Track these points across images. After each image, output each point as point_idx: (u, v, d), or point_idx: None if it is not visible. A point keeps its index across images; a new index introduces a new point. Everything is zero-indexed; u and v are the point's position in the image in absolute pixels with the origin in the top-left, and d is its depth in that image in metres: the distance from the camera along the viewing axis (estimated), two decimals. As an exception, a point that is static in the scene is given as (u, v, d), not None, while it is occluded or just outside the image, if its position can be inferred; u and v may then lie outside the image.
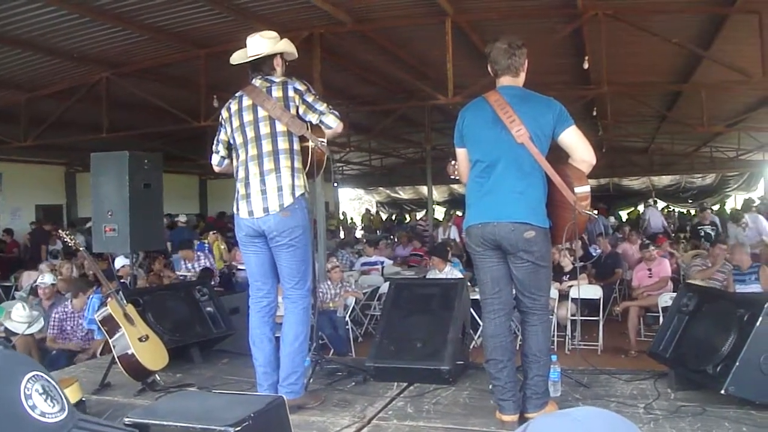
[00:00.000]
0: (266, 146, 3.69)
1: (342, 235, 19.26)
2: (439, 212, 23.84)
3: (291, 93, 3.71)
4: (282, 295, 3.91)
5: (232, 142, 3.84)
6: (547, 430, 0.95)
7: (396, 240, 15.25)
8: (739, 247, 8.00)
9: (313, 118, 3.73)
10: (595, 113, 14.12)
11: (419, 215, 25.79)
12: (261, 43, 3.81)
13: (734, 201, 24.01)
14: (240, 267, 9.93)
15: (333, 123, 3.75)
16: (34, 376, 1.18)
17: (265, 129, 3.70)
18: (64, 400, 1.21)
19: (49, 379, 1.21)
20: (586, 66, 9.43)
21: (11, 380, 1.15)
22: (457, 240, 12.52)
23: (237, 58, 3.90)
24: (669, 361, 4.00)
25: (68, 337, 6.62)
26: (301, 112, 3.72)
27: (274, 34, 3.90)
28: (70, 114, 11.23)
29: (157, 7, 7.83)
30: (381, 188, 29.20)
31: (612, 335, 8.21)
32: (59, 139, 12.46)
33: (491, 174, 3.36)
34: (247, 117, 3.74)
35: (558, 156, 3.44)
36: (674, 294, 6.41)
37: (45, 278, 7.52)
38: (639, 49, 9.56)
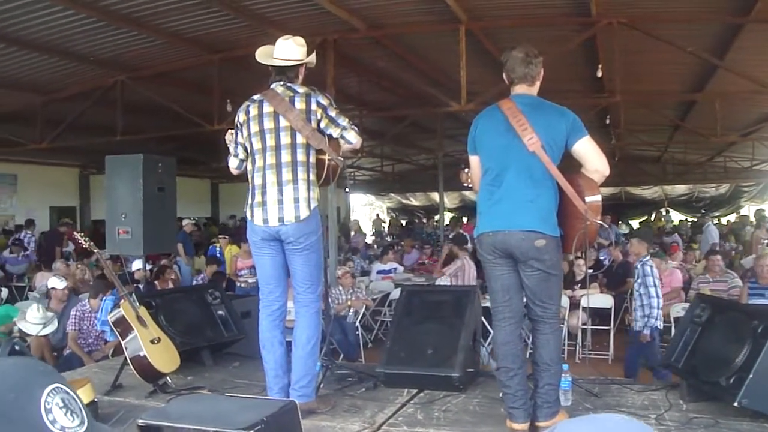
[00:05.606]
0: (285, 156, 3.70)
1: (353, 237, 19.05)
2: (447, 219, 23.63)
3: (314, 106, 3.72)
4: (293, 299, 3.92)
5: (247, 146, 3.84)
6: None
7: (399, 247, 14.81)
8: (764, 258, 7.56)
9: (335, 132, 3.76)
10: (608, 122, 14.06)
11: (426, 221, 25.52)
12: (294, 50, 3.80)
13: (747, 211, 23.81)
14: (240, 278, 9.85)
15: (353, 139, 3.79)
16: (54, 389, 1.16)
17: (285, 139, 3.70)
18: (84, 412, 1.19)
19: (69, 391, 1.19)
20: (599, 74, 9.42)
21: (31, 393, 1.13)
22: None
23: (263, 55, 3.84)
24: (681, 372, 3.97)
25: (83, 336, 6.67)
26: (322, 125, 3.73)
27: (303, 41, 3.86)
28: (86, 117, 11.29)
29: (173, 11, 7.89)
30: (392, 194, 29.13)
31: (623, 345, 8.15)
32: (74, 142, 12.56)
33: (502, 182, 3.35)
34: (268, 124, 3.73)
35: (570, 165, 3.43)
36: (686, 304, 6.34)
37: (58, 283, 7.50)
38: (653, 58, 9.53)
